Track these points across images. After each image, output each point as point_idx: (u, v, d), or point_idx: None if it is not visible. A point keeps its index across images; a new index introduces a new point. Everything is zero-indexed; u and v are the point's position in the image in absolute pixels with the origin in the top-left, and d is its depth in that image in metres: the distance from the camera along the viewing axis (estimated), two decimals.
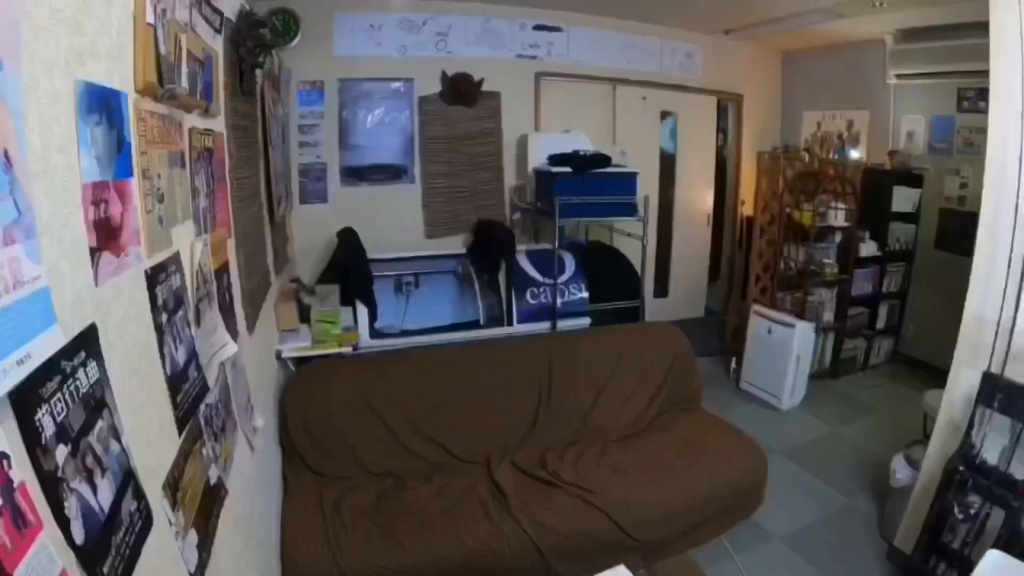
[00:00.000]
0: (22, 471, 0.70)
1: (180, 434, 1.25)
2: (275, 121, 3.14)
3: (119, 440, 0.95)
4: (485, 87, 4.57)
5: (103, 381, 0.91)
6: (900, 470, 2.73)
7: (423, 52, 4.42)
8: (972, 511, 2.18)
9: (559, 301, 3.90)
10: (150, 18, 1.13)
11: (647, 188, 4.45)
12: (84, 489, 0.83)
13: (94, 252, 0.92)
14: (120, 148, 1.03)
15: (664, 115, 5.57)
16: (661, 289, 5.80)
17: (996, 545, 1.97)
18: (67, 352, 0.81)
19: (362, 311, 3.45)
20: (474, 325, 3.94)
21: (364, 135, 4.38)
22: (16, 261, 0.71)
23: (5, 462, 0.67)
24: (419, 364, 2.94)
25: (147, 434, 1.08)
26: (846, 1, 4.09)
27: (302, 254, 4.22)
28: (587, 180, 3.90)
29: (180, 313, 1.29)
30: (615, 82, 5.07)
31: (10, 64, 0.71)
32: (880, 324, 5.02)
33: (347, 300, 3.36)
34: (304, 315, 3.10)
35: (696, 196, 5.81)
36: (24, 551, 0.68)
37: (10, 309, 0.69)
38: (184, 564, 1.18)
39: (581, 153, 4.02)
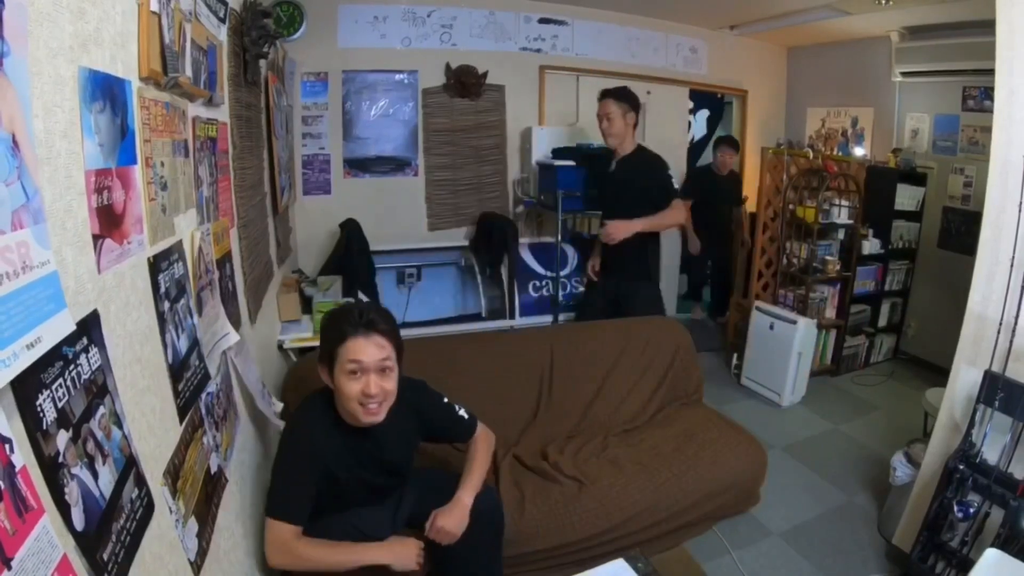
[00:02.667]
0: (23, 455, 0.71)
1: (181, 422, 1.25)
2: (279, 112, 3.13)
3: (121, 427, 0.95)
4: (489, 80, 4.56)
5: (105, 367, 0.92)
6: (900, 468, 2.73)
7: (427, 44, 4.41)
8: (971, 510, 2.18)
9: (561, 294, 3.91)
10: (154, 6, 1.13)
11: None
12: (85, 475, 0.83)
13: (97, 239, 0.92)
14: (124, 135, 1.03)
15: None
16: None
17: (995, 544, 1.97)
18: (69, 338, 0.81)
19: None
20: (476, 318, 3.96)
21: (367, 127, 4.38)
22: (25, 245, 0.71)
23: (7, 446, 0.68)
24: (419, 355, 2.93)
25: (148, 421, 1.09)
26: None
27: (304, 245, 4.23)
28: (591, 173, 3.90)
29: (182, 301, 1.30)
30: (619, 76, 5.05)
31: (17, 49, 0.71)
32: (882, 322, 5.01)
33: (349, 291, 3.36)
34: (306, 306, 3.10)
35: None
36: (25, 535, 0.68)
37: (20, 292, 0.69)
38: (184, 552, 1.18)
39: (584, 147, 4.02)
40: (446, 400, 2.06)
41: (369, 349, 1.66)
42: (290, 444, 1.76)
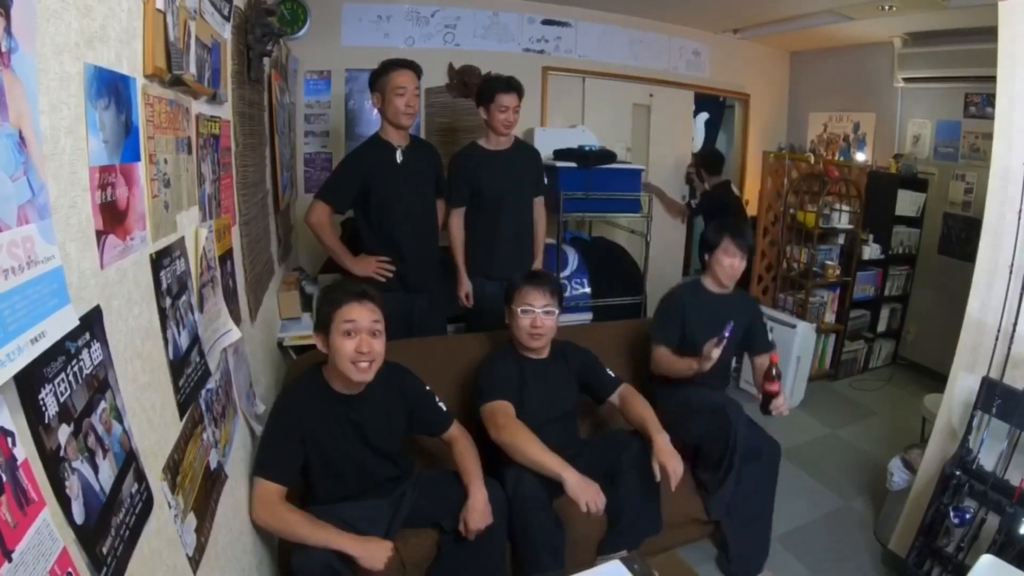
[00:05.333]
0: (25, 449, 0.71)
1: (181, 418, 1.26)
2: (281, 109, 3.14)
3: (121, 421, 0.96)
4: None
5: (106, 363, 0.92)
6: (897, 473, 2.73)
7: (430, 44, 4.42)
8: (967, 516, 2.18)
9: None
10: (160, 4, 1.13)
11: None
12: (85, 469, 0.84)
13: (100, 235, 0.93)
14: (128, 132, 1.04)
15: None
16: None
17: (991, 550, 1.97)
18: (71, 333, 0.82)
19: None
20: None
21: (370, 125, 4.37)
22: (30, 240, 0.71)
23: (9, 439, 0.68)
24: (419, 355, 2.94)
25: (148, 417, 1.09)
26: (855, 3, 4.08)
27: (305, 243, 4.22)
28: (592, 175, 3.90)
29: (184, 298, 1.30)
30: (621, 78, 5.06)
31: (26, 46, 0.71)
32: (881, 327, 5.01)
33: None
34: (307, 304, 3.11)
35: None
36: (26, 528, 0.69)
37: (24, 287, 0.70)
38: (183, 547, 1.19)
39: (586, 148, 4.02)
40: (428, 388, 2.22)
41: (363, 312, 1.87)
42: (277, 407, 1.96)
